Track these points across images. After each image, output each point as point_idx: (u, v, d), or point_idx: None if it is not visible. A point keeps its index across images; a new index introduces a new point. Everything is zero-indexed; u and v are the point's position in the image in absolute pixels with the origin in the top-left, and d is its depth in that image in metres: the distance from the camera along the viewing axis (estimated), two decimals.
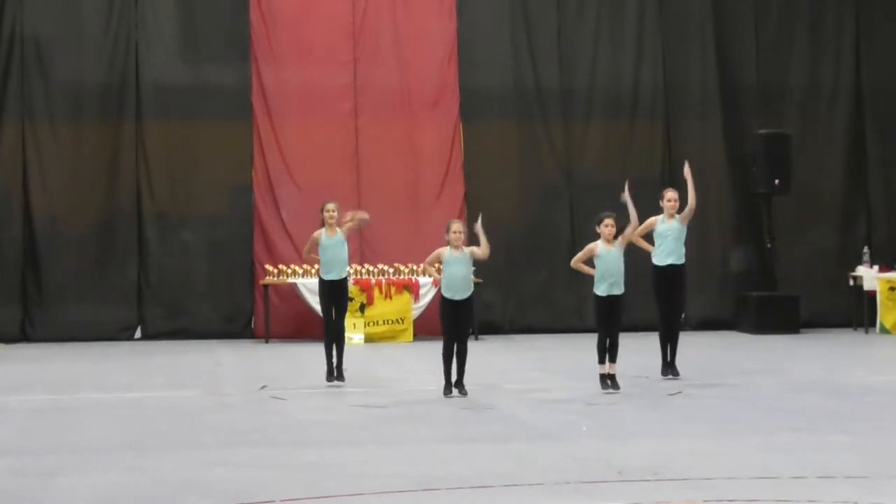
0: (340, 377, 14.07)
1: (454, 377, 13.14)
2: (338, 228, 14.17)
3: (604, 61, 20.94)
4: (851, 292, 20.46)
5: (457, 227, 13.44)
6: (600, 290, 13.40)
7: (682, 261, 14.43)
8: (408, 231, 20.07)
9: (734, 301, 20.51)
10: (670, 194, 14.59)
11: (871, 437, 10.50)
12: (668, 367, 14.31)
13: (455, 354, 13.13)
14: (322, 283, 14.19)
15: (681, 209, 14.49)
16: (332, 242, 14.11)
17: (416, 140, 20.42)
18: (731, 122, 21.08)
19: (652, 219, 14.51)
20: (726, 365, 15.65)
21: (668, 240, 14.35)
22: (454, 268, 13.16)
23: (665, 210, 14.48)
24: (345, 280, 14.31)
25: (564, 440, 10.53)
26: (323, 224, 14.15)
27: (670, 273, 14.35)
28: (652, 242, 14.49)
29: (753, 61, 21.24)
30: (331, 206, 14.20)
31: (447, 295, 13.17)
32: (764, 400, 12.82)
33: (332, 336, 14.08)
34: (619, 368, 13.51)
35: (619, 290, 13.38)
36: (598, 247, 13.40)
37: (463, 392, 13.09)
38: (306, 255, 14.72)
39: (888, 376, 14.80)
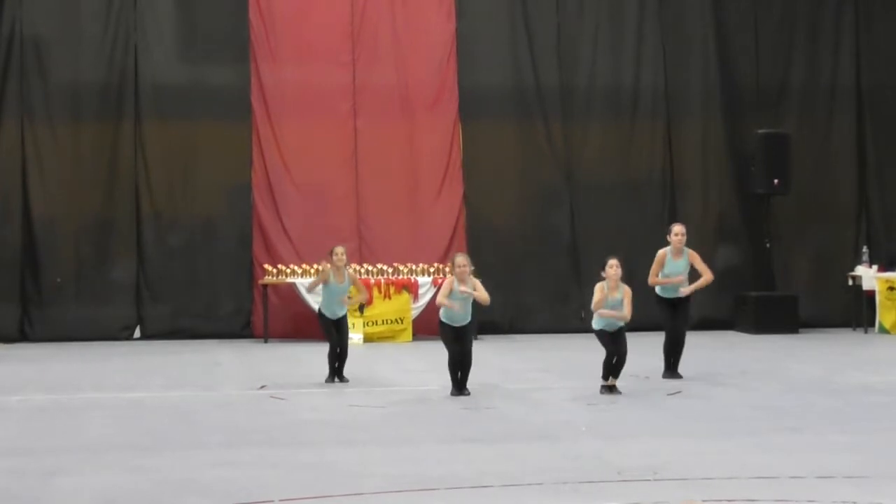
0: (343, 379, 14.42)
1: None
2: (346, 272, 14.52)
3: (604, 61, 20.93)
4: (850, 292, 20.46)
5: (461, 260, 13.29)
6: (600, 325, 13.31)
7: (685, 285, 14.47)
8: (407, 231, 20.08)
9: (733, 301, 20.49)
10: (678, 228, 14.52)
11: (870, 437, 10.50)
12: (670, 371, 14.42)
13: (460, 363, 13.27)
14: (322, 316, 14.51)
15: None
16: (340, 289, 14.44)
17: (415, 140, 20.41)
18: (731, 122, 21.08)
19: (661, 254, 14.39)
20: (725, 365, 15.65)
21: (676, 278, 14.35)
22: (456, 302, 13.11)
23: (672, 244, 14.40)
24: (345, 316, 14.65)
25: (564, 440, 10.53)
26: (331, 264, 14.48)
27: (677, 302, 14.46)
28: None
29: (753, 61, 21.24)
30: (339, 249, 14.60)
31: (447, 322, 13.18)
32: (763, 400, 12.82)
33: (336, 346, 14.38)
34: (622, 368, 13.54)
35: (618, 326, 13.32)
36: (606, 290, 13.17)
37: (464, 392, 13.21)
38: (311, 288, 15.11)
39: (887, 376, 14.81)
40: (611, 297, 13.14)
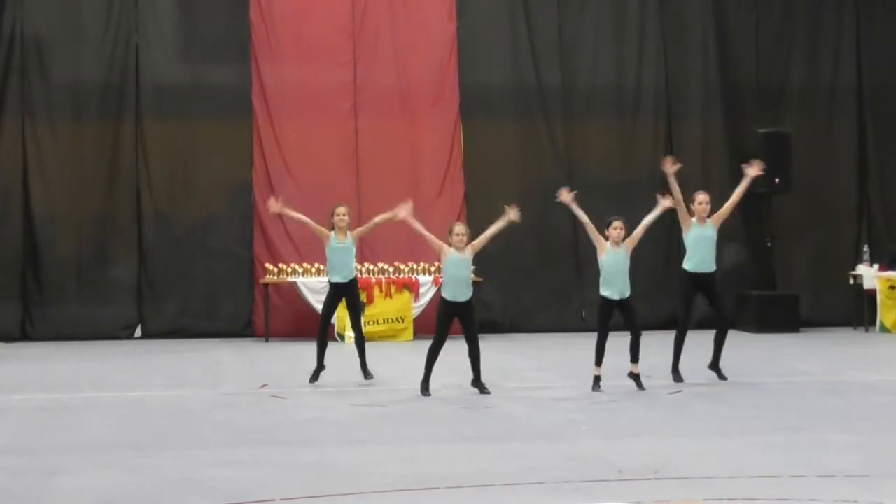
0: (368, 375, 14.12)
1: (471, 377, 13.25)
2: (348, 232, 14.13)
3: (605, 60, 20.95)
4: (851, 291, 20.46)
5: (459, 228, 13.45)
6: (605, 291, 13.35)
7: (713, 267, 14.01)
8: (408, 230, 19.87)
9: (734, 300, 20.47)
10: (702, 197, 14.08)
11: (871, 437, 10.50)
12: (675, 371, 14.08)
13: (468, 355, 13.17)
14: (329, 284, 14.21)
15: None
16: (342, 246, 14.06)
17: (416, 139, 20.43)
18: (732, 121, 21.09)
19: (688, 217, 14.04)
20: (726, 364, 15.61)
21: (701, 247, 13.88)
22: (455, 270, 13.15)
23: (696, 214, 14.01)
24: (353, 282, 14.17)
25: (564, 439, 10.53)
26: (333, 227, 14.11)
27: (705, 281, 13.95)
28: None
29: (754, 60, 21.25)
30: (342, 209, 14.15)
31: (447, 297, 13.16)
32: (764, 399, 12.82)
33: (326, 336, 14.12)
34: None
35: (626, 292, 13.30)
36: (606, 248, 13.33)
37: (485, 390, 13.10)
38: (294, 214, 14.47)
39: (888, 375, 14.80)
40: (613, 250, 13.22)
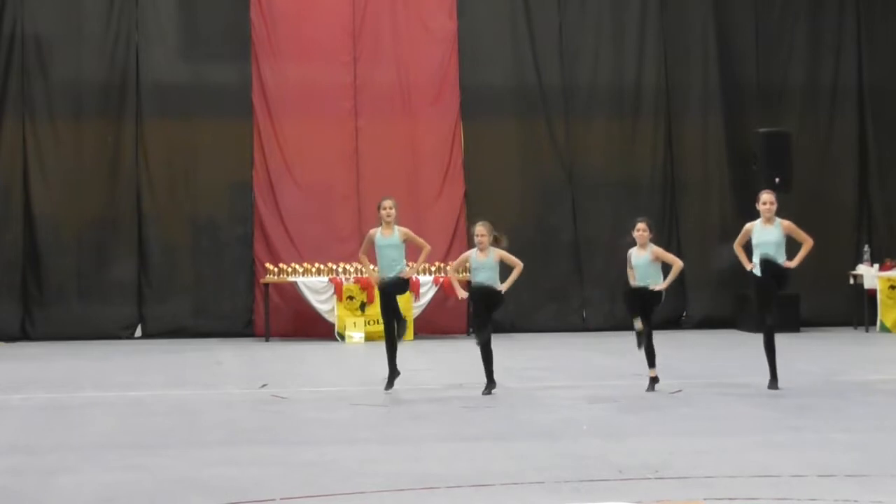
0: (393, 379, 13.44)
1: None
2: (395, 227, 13.33)
3: (605, 59, 20.94)
4: (852, 291, 20.46)
5: (477, 229, 13.25)
6: (631, 282, 13.30)
7: (781, 259, 13.38)
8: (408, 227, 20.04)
9: (735, 299, 20.48)
10: (766, 196, 13.46)
11: (871, 436, 10.50)
12: (772, 378, 13.41)
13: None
14: (379, 282, 13.48)
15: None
16: (388, 243, 13.28)
17: (417, 138, 20.42)
18: (732, 121, 21.08)
19: (748, 226, 13.57)
20: (727, 363, 15.64)
21: (762, 251, 13.34)
22: (475, 273, 13.18)
23: (762, 214, 13.46)
24: (395, 283, 13.39)
25: (565, 439, 10.52)
26: (379, 222, 13.37)
27: (771, 277, 13.36)
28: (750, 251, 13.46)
29: (754, 60, 21.24)
30: (388, 202, 13.30)
31: (473, 284, 13.21)
32: (764, 398, 12.82)
33: (390, 339, 13.44)
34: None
35: (650, 292, 13.16)
36: (632, 254, 13.28)
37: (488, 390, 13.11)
38: (361, 256, 13.86)
39: (888, 375, 14.79)
40: (638, 255, 13.15)
